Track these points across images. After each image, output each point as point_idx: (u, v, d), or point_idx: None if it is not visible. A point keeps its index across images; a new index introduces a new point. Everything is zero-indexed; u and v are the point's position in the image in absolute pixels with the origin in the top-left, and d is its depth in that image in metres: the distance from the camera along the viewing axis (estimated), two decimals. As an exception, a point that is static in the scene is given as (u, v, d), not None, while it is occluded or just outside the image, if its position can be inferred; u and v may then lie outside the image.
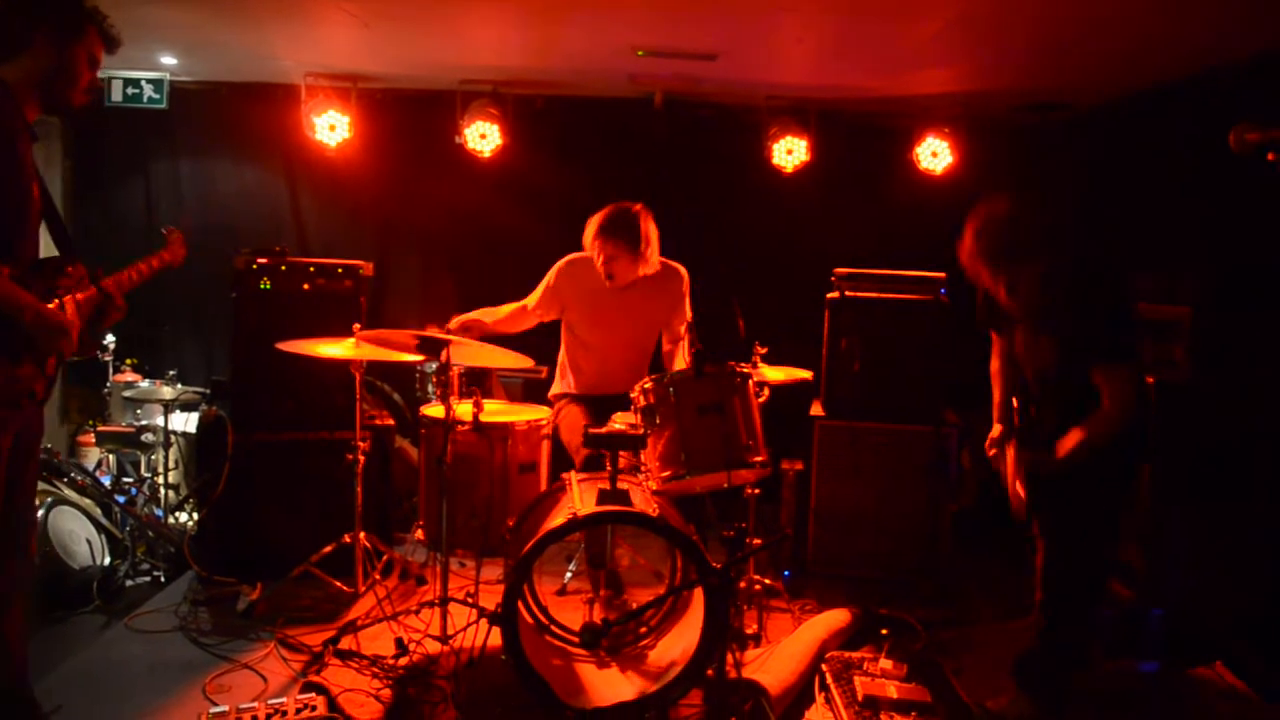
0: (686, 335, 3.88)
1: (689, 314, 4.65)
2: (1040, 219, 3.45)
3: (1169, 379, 4.43)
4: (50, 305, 2.95)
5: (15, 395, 2.87)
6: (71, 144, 6.57)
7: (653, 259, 4.52)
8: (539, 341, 4.75)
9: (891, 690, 3.55)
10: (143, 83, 6.11)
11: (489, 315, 4.62)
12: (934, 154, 6.26)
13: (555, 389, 4.86)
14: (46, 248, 3.16)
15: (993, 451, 3.77)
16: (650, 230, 4.48)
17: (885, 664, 3.76)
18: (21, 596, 3.21)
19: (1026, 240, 3.40)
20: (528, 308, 4.68)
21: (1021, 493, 3.55)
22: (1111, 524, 3.46)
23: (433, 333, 4.02)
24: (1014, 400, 3.62)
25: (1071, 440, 3.30)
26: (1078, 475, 3.34)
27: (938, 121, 6.22)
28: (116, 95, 6.11)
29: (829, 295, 5.31)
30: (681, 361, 4.41)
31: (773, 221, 6.62)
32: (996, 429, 3.77)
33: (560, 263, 4.68)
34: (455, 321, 4.47)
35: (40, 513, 4.47)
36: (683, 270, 4.70)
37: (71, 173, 6.56)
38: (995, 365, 3.87)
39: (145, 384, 5.78)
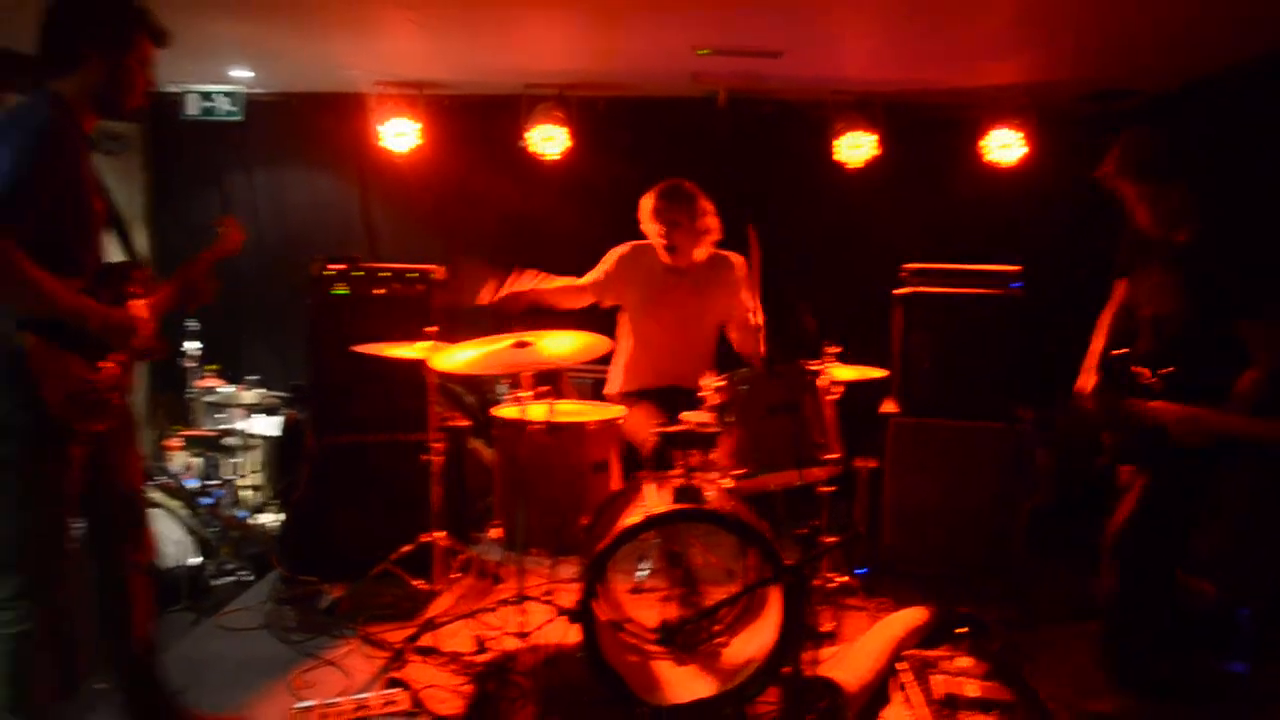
0: (757, 333, 3.89)
1: (751, 303, 4.60)
2: (1186, 144, 3.41)
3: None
4: (119, 309, 3.03)
5: (89, 400, 2.94)
6: (150, 157, 6.75)
7: (710, 231, 4.57)
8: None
9: (971, 689, 3.53)
10: (217, 96, 6.25)
11: (541, 283, 4.61)
12: (1003, 145, 6.19)
13: (612, 387, 4.89)
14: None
15: (1089, 398, 3.69)
16: (706, 203, 4.55)
17: (964, 662, 3.74)
18: (144, 579, 3.34)
19: (1170, 157, 3.36)
20: (581, 285, 4.70)
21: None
22: (1207, 487, 3.41)
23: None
24: (1123, 349, 3.55)
25: (1236, 423, 3.19)
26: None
27: (1005, 112, 6.15)
28: (193, 109, 6.26)
29: (898, 291, 5.28)
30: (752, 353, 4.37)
31: (840, 218, 6.59)
32: (1091, 378, 3.70)
33: (619, 248, 4.73)
34: (503, 290, 4.49)
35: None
36: (736, 258, 4.71)
37: (150, 185, 6.73)
38: (1104, 316, 3.81)
39: (227, 389, 5.92)
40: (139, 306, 3.12)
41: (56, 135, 2.83)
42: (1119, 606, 3.57)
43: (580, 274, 4.79)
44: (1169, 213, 3.38)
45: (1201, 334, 3.24)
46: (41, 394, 2.79)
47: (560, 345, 4.02)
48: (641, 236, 4.72)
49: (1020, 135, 6.13)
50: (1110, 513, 3.62)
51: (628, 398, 4.73)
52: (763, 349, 3.87)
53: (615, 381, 4.88)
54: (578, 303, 4.73)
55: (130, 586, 3.30)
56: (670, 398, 4.56)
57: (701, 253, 4.63)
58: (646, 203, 4.60)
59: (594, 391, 5.70)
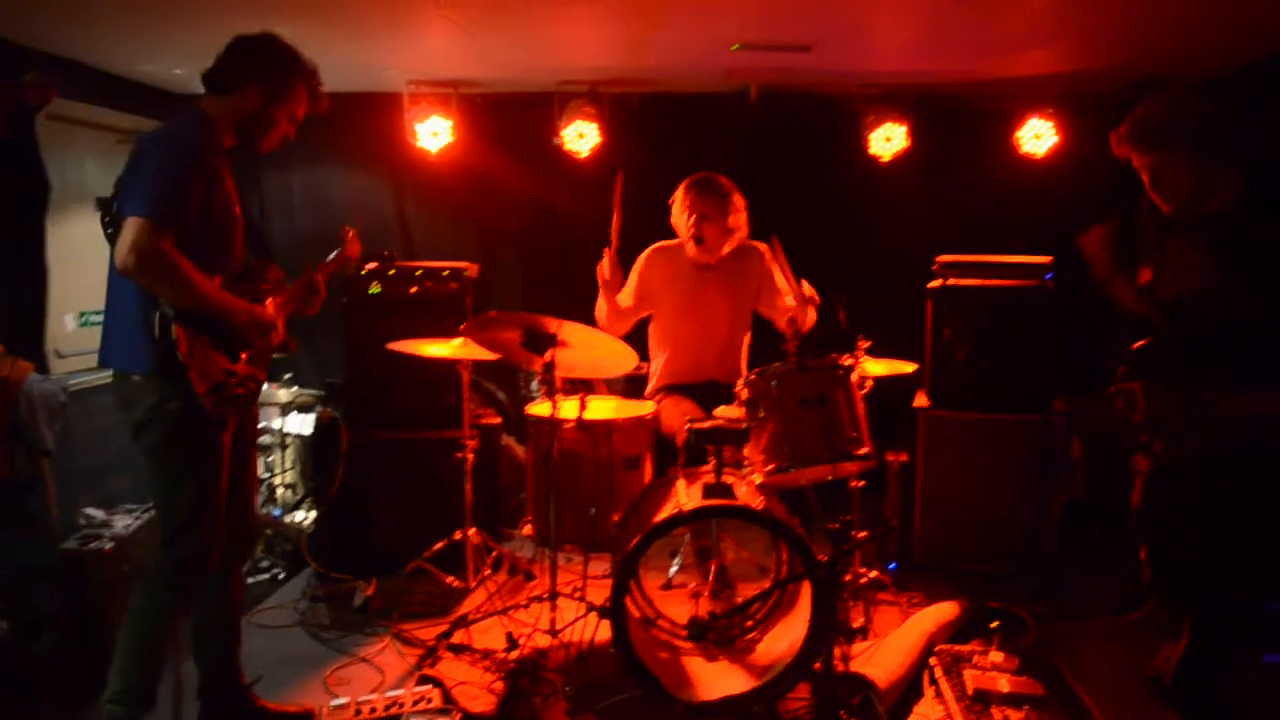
0: (789, 330, 3.87)
1: (783, 287, 4.58)
2: (1195, 110, 3.18)
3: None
4: (259, 306, 3.28)
5: (232, 390, 3.16)
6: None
7: (739, 229, 4.58)
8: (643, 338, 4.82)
9: (1003, 684, 3.51)
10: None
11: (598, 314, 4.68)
12: (1036, 136, 6.11)
13: (652, 384, 4.90)
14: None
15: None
16: (738, 199, 4.56)
17: (996, 657, 3.71)
18: (243, 577, 3.66)
19: (1173, 123, 3.13)
20: (621, 306, 4.72)
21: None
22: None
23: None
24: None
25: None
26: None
27: (1039, 103, 6.08)
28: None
29: (931, 284, 5.24)
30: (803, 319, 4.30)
31: (872, 210, 6.55)
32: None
33: (644, 254, 4.76)
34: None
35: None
36: (760, 246, 4.71)
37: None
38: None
39: (263, 387, 5.97)
40: (272, 305, 3.38)
41: (205, 148, 3.11)
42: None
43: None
44: (1176, 184, 3.14)
45: (1248, 310, 3.02)
46: (191, 385, 2.99)
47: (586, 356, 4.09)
48: (668, 239, 4.72)
49: (1050, 125, 6.05)
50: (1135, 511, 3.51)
51: (664, 391, 4.74)
52: (795, 350, 3.83)
53: (654, 380, 4.89)
54: (626, 323, 4.75)
55: (234, 581, 3.53)
56: (707, 392, 4.57)
57: (728, 248, 4.63)
58: (678, 193, 4.62)
59: (626, 388, 5.72)
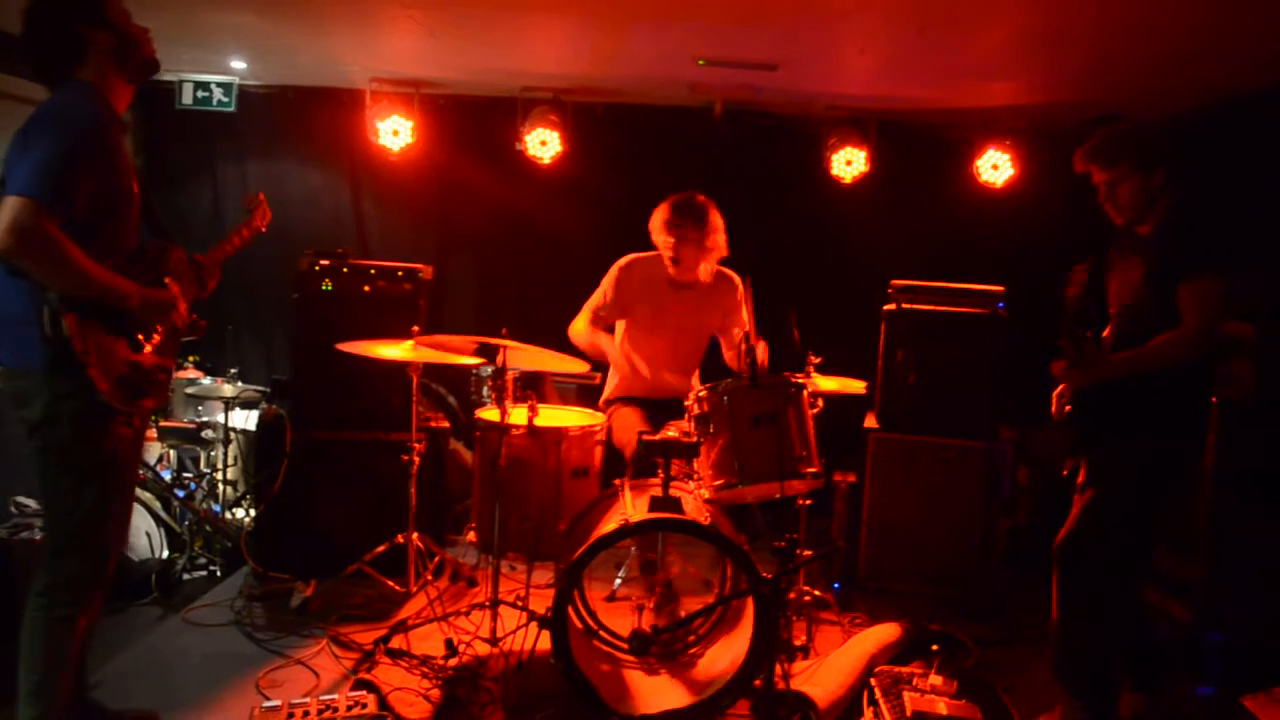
0: (743, 346, 3.88)
1: (747, 323, 4.65)
2: (1154, 135, 3.51)
3: (1233, 396, 4.35)
4: (157, 288, 3.10)
5: (140, 382, 3.00)
6: (143, 144, 6.72)
7: (717, 248, 4.58)
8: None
9: (941, 707, 3.52)
10: (213, 86, 6.25)
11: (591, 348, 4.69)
12: (995, 166, 6.20)
13: (608, 393, 4.88)
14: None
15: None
16: (717, 219, 4.56)
17: (935, 680, 3.72)
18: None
19: (1125, 144, 3.45)
20: (595, 318, 4.71)
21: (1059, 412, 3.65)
22: (1156, 497, 3.44)
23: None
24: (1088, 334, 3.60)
25: (1127, 353, 3.32)
26: (1139, 426, 3.37)
27: (999, 134, 6.17)
28: (187, 98, 6.25)
29: (885, 307, 5.28)
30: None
31: (830, 232, 6.60)
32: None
33: (616, 267, 4.72)
34: None
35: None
36: (738, 279, 4.71)
37: (142, 171, 6.69)
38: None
39: (207, 381, 5.88)
40: (175, 286, 3.20)
41: (99, 123, 2.91)
42: (1068, 621, 3.59)
43: (573, 280, 4.80)
44: (1125, 201, 3.45)
45: (1154, 321, 3.30)
46: (90, 378, 2.83)
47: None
48: (638, 249, 4.70)
49: (1008, 157, 6.14)
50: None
51: (618, 402, 4.73)
52: (744, 361, 3.84)
53: (610, 389, 4.88)
54: (599, 337, 4.72)
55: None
56: (660, 407, 4.55)
57: (707, 270, 4.61)
58: (659, 213, 4.56)
59: (578, 397, 5.70)
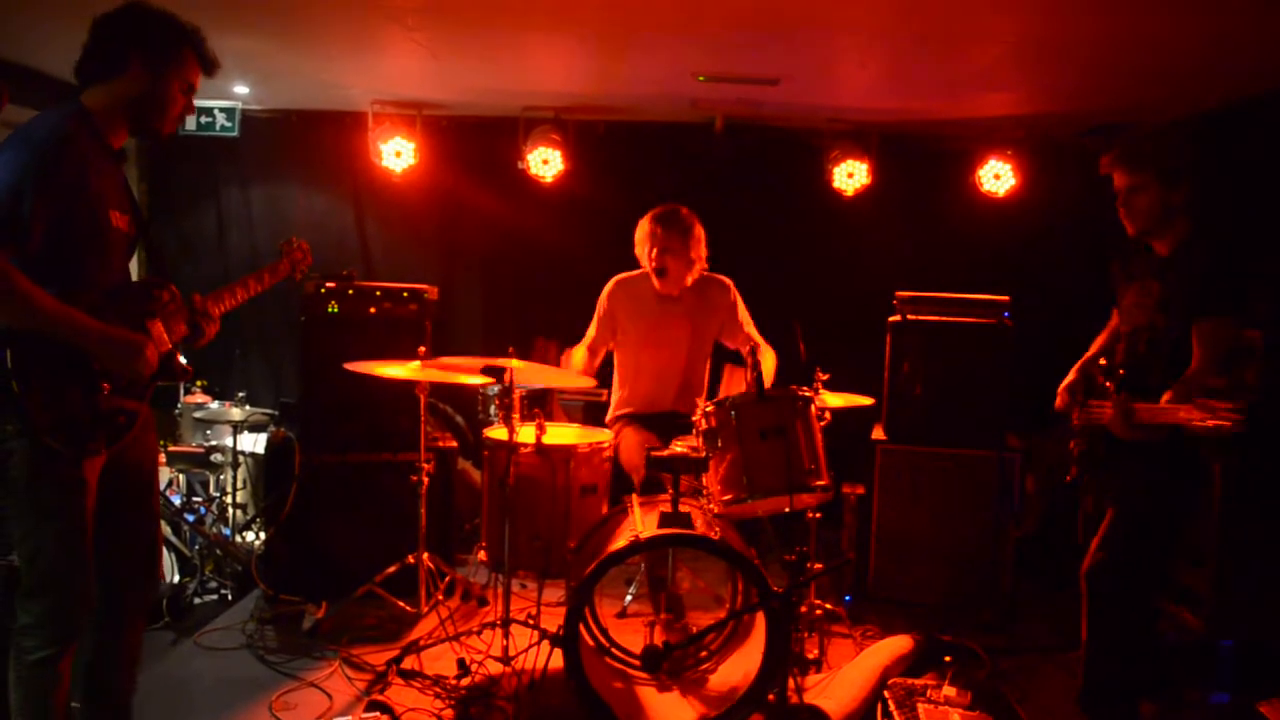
0: (749, 359, 3.89)
1: (747, 326, 4.70)
2: (1183, 145, 3.48)
3: (1241, 402, 4.34)
4: (122, 329, 2.86)
5: (89, 424, 2.81)
6: (147, 169, 6.76)
7: (700, 258, 4.62)
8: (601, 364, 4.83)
9: (956, 718, 3.51)
10: (215, 111, 6.28)
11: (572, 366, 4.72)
12: (996, 176, 6.21)
13: (612, 412, 4.89)
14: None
15: (1063, 399, 3.75)
16: (699, 229, 4.60)
17: (949, 691, 3.72)
18: (142, 620, 3.25)
19: (1155, 151, 3.41)
20: (591, 345, 4.77)
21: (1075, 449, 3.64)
22: (1180, 507, 3.45)
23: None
24: (1102, 360, 3.61)
25: (1160, 412, 3.21)
26: (1158, 451, 3.32)
27: (1000, 144, 6.18)
28: (190, 124, 6.27)
29: (891, 318, 5.28)
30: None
31: (834, 244, 6.61)
32: (1074, 375, 3.76)
33: (608, 286, 4.78)
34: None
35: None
36: (728, 280, 4.77)
37: (146, 197, 6.72)
38: (1101, 336, 3.87)
39: (215, 405, 5.90)
40: (157, 327, 2.99)
41: (67, 148, 2.73)
42: (1100, 648, 3.55)
43: (576, 298, 4.83)
44: (1142, 209, 3.41)
45: (1166, 345, 3.29)
46: (30, 417, 2.66)
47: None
48: (629, 268, 4.74)
49: (1010, 166, 6.15)
50: (1082, 546, 3.63)
51: (623, 421, 4.73)
52: (750, 375, 3.85)
53: (614, 407, 4.89)
54: (596, 361, 4.80)
55: (130, 638, 3.17)
56: (665, 423, 4.57)
57: (690, 279, 4.65)
58: (642, 225, 4.63)
59: (585, 414, 5.70)
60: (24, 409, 2.65)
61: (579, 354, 4.76)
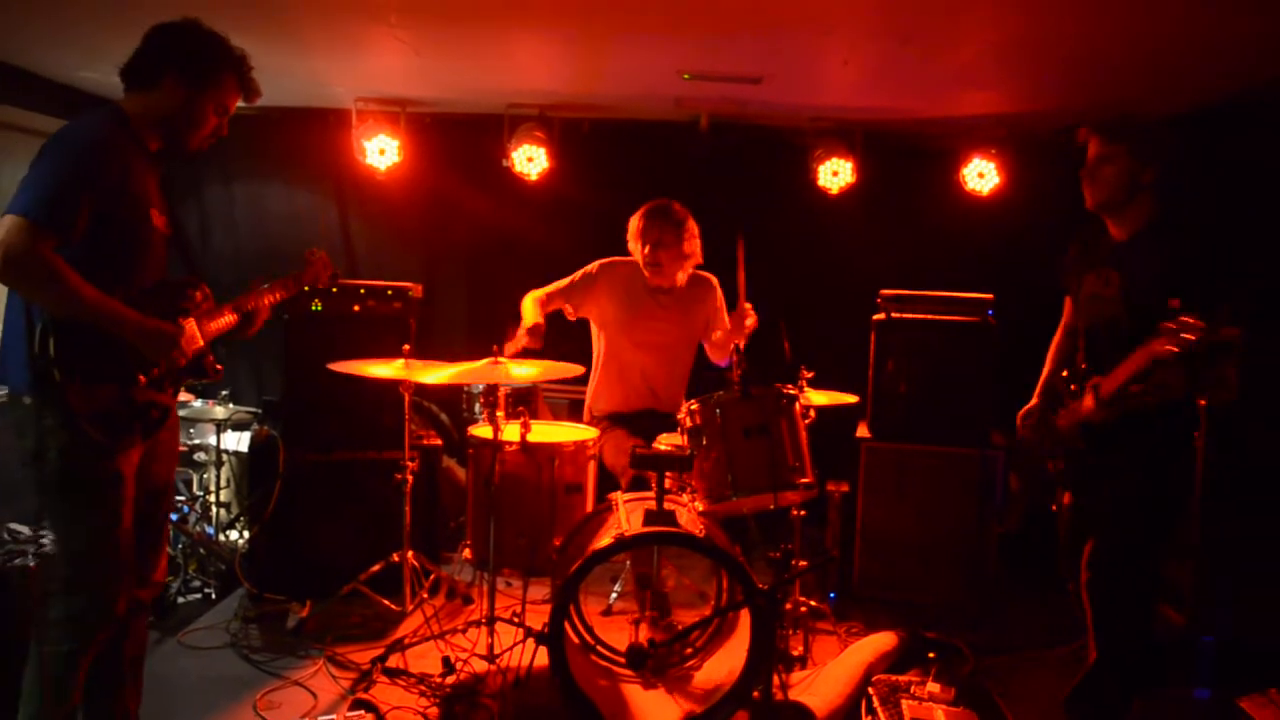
0: (734, 356, 3.90)
1: (740, 328, 4.70)
2: (1164, 134, 3.43)
3: (1220, 399, 4.38)
4: (162, 321, 2.96)
5: (126, 415, 2.90)
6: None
7: (694, 255, 4.63)
8: (587, 353, 4.84)
9: (939, 714, 3.53)
10: (198, 109, 6.24)
11: (535, 314, 4.59)
12: (980, 175, 6.21)
13: (595, 407, 4.87)
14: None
15: (1026, 424, 3.77)
16: (693, 224, 4.60)
17: (933, 688, 3.73)
18: (145, 619, 3.29)
19: (1130, 125, 3.40)
20: (548, 298, 4.68)
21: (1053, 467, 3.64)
22: (1162, 512, 3.41)
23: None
24: (1064, 373, 3.60)
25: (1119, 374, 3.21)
26: (1128, 448, 3.31)
27: (984, 142, 6.18)
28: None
29: (875, 317, 5.30)
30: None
31: (818, 243, 6.61)
32: (1035, 400, 3.77)
33: (600, 260, 4.77)
34: (522, 333, 4.43)
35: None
36: (714, 279, 4.78)
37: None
38: (1055, 340, 3.87)
39: (198, 404, 5.86)
40: (190, 324, 3.10)
41: (107, 149, 2.86)
42: (1106, 655, 3.48)
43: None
44: (1108, 178, 3.36)
45: (1130, 340, 3.20)
46: (71, 408, 2.76)
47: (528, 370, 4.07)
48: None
49: (994, 165, 6.16)
50: (1064, 545, 3.63)
51: (605, 421, 4.73)
52: (736, 372, 3.85)
53: (592, 402, 4.87)
54: (541, 315, 4.63)
55: (135, 631, 3.20)
56: (648, 421, 4.57)
57: (683, 276, 4.65)
58: (634, 220, 4.62)
59: (570, 411, 5.70)
60: (65, 398, 2.75)
61: (529, 302, 4.63)
